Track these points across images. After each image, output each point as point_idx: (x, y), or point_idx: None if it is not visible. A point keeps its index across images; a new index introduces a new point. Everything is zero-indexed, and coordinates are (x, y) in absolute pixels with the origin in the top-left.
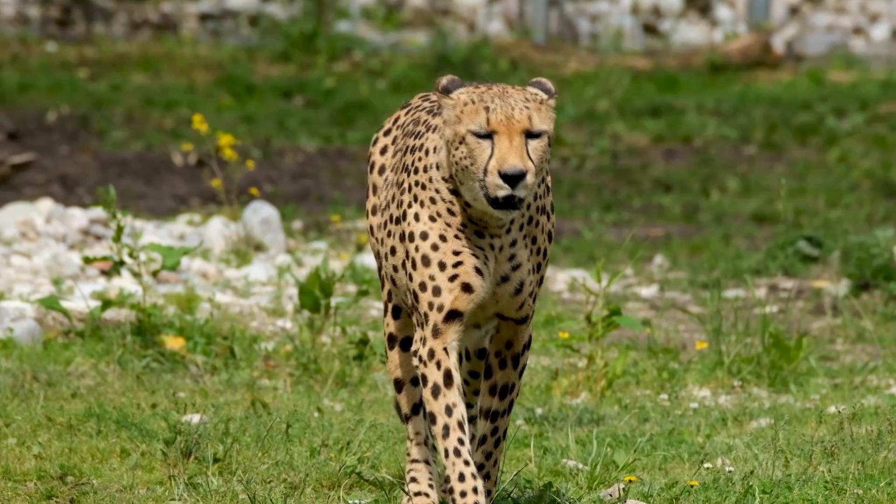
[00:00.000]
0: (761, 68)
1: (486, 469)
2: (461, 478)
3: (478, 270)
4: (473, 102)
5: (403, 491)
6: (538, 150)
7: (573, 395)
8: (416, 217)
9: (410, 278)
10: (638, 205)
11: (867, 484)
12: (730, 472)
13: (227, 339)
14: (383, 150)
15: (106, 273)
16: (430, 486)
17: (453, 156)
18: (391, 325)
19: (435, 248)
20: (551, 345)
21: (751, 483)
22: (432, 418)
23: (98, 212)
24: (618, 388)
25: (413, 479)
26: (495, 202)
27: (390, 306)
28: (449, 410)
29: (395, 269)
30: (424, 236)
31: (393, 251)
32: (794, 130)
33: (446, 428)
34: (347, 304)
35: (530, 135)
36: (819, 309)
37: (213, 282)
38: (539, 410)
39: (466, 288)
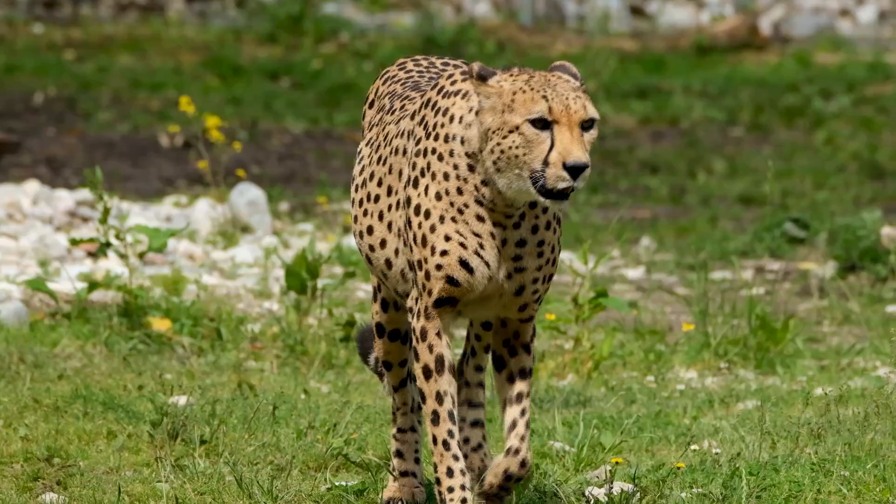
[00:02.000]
0: (748, 50)
1: (521, 455)
2: (449, 473)
3: (463, 263)
4: (524, 91)
5: (389, 472)
6: (591, 141)
7: (560, 376)
8: (426, 190)
9: (411, 249)
10: (624, 186)
11: (854, 466)
12: (716, 453)
13: (213, 320)
14: (369, 128)
15: (92, 255)
16: (416, 460)
17: (499, 144)
18: (380, 316)
19: (433, 229)
20: (538, 326)
21: (737, 465)
22: (422, 397)
23: (85, 193)
24: (604, 369)
25: (398, 454)
26: (549, 193)
27: (380, 296)
28: (440, 398)
29: (371, 248)
30: (427, 214)
31: (370, 230)
32: (781, 112)
33: (436, 414)
34: (334, 286)
35: (583, 126)
36: (806, 291)
37: (199, 263)
38: None
39: (451, 281)
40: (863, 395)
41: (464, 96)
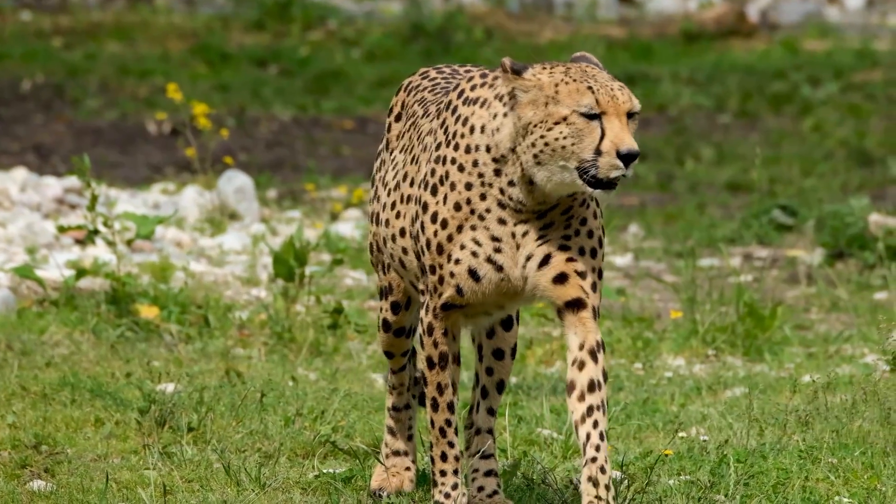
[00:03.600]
0: (736, 37)
1: (598, 462)
2: (443, 457)
3: (472, 273)
4: (567, 83)
5: (377, 459)
6: (634, 130)
7: (548, 364)
8: (444, 199)
9: (422, 251)
10: None
11: (841, 453)
12: (704, 441)
13: (201, 308)
14: (400, 138)
15: (80, 242)
16: (409, 437)
17: (543, 137)
18: (388, 314)
19: (450, 238)
20: (525, 314)
21: (725, 452)
22: (424, 381)
23: (73, 181)
24: None
25: (391, 431)
26: (599, 182)
27: (391, 299)
28: (440, 389)
29: (404, 251)
30: (444, 224)
31: (402, 233)
32: (769, 99)
33: (435, 401)
34: (322, 273)
35: (629, 115)
36: (793, 278)
37: (187, 251)
38: (514, 380)
39: (458, 291)
40: (850, 382)
41: (483, 104)
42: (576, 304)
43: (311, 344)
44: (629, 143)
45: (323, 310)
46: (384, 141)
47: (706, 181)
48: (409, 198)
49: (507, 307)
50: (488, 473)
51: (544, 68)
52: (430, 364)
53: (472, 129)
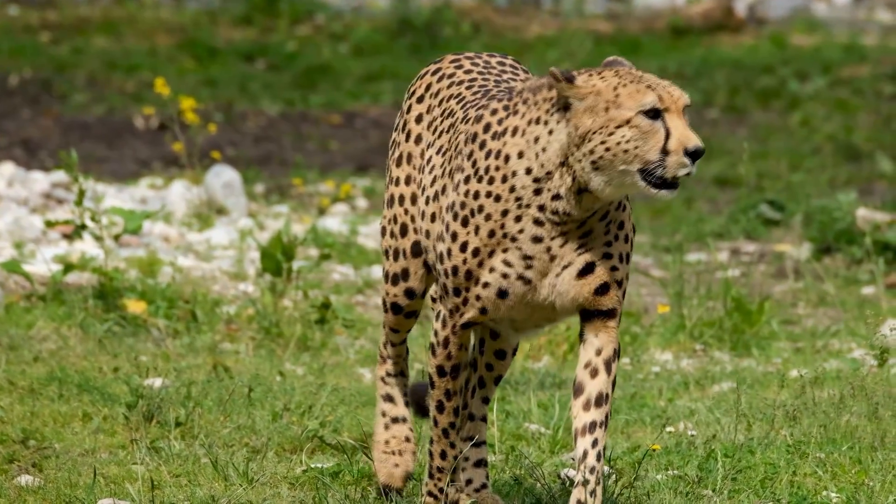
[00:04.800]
0: (724, 32)
1: (590, 486)
2: (443, 455)
3: (501, 293)
4: (624, 85)
5: (365, 454)
6: (689, 124)
7: (535, 358)
8: (476, 230)
9: (446, 274)
10: None
11: (829, 447)
12: (692, 435)
13: (188, 302)
14: (419, 119)
15: (68, 237)
16: (406, 402)
17: (604, 142)
18: (400, 299)
19: (481, 265)
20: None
21: (713, 447)
22: (431, 384)
23: (60, 175)
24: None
25: (389, 398)
26: (663, 183)
27: (404, 285)
28: (448, 395)
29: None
30: (476, 252)
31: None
32: (757, 94)
33: (441, 404)
34: (309, 268)
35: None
36: (781, 272)
37: (174, 245)
38: None
39: (482, 311)
40: (838, 376)
41: (514, 132)
42: (608, 314)
43: (299, 339)
44: (696, 140)
45: (310, 305)
46: (401, 122)
47: (694, 176)
48: (454, 216)
49: (554, 318)
50: (478, 464)
51: (591, 75)
52: (441, 373)
53: (507, 159)
